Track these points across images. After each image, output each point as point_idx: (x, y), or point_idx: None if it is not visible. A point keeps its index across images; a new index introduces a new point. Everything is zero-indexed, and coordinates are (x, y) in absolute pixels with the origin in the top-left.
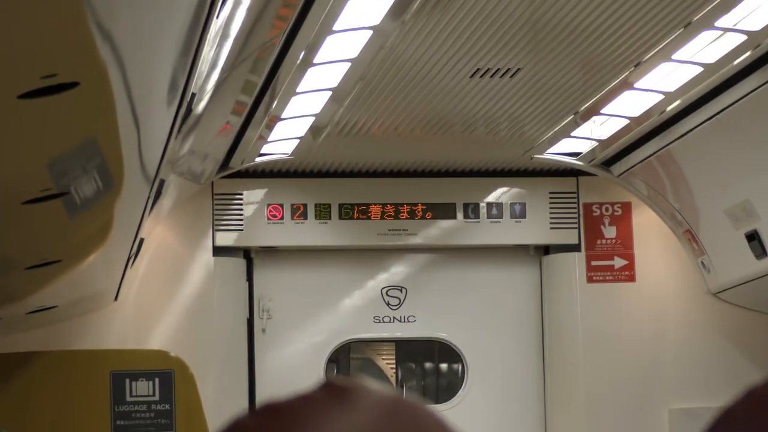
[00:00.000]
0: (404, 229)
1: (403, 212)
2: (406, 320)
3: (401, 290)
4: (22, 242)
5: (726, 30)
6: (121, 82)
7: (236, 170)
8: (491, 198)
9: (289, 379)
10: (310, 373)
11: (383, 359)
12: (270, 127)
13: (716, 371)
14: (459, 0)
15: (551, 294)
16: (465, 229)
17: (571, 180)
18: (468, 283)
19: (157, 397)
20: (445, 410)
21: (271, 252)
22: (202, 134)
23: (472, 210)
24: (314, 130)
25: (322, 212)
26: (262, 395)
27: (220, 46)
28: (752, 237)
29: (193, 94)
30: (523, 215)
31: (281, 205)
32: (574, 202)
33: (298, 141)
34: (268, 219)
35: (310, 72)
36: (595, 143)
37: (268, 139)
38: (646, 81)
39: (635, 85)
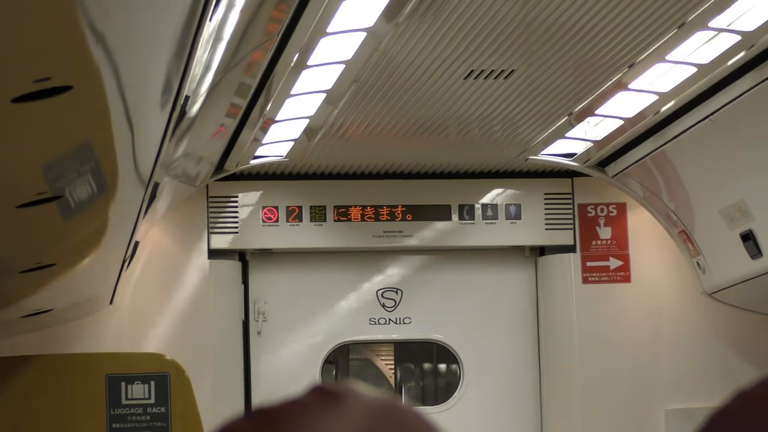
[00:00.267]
0: (399, 230)
1: (398, 214)
2: (401, 322)
3: (397, 292)
4: (17, 246)
5: (720, 30)
6: (114, 86)
7: (231, 173)
8: (486, 199)
9: (284, 382)
10: (306, 375)
11: (382, 360)
12: (264, 130)
13: (712, 371)
14: (453, 2)
15: (547, 295)
16: (460, 230)
17: (566, 181)
18: (463, 284)
19: (153, 401)
20: (441, 411)
21: (267, 254)
22: (196, 137)
23: (467, 211)
24: (309, 132)
25: (317, 214)
26: (258, 398)
27: (213, 48)
28: (747, 237)
29: (187, 97)
30: (518, 216)
31: (276, 208)
32: (569, 203)
33: (292, 143)
34: (263, 221)
35: (305, 74)
36: (589, 144)
37: (263, 142)
38: (641, 82)
39: (629, 86)
